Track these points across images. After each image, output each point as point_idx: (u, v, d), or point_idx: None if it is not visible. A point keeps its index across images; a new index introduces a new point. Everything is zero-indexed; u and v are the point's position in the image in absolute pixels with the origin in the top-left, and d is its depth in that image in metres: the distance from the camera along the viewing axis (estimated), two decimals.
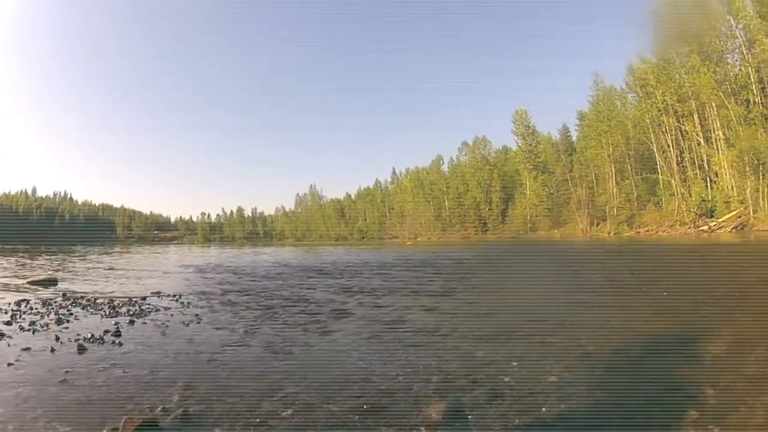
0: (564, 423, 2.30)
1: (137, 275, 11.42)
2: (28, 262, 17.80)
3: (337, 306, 5.85)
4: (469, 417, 2.33)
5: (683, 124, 39.54)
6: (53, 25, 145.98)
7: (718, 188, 35.11)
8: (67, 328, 4.59)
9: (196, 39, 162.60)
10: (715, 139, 35.92)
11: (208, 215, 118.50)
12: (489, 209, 65.48)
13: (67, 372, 3.09)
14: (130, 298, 6.59)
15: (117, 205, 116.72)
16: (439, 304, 5.92)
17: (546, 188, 56.96)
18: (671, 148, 40.89)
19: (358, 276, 9.94)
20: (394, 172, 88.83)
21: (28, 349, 3.71)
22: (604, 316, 4.93)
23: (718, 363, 3.05)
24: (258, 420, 2.32)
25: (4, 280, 9.91)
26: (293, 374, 3.05)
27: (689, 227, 34.30)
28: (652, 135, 42.58)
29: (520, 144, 61.45)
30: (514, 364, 3.14)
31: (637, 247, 20.99)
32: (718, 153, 35.29)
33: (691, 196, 37.54)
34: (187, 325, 4.78)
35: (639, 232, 39.64)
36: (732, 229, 29.41)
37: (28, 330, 4.46)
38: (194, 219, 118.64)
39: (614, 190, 48.12)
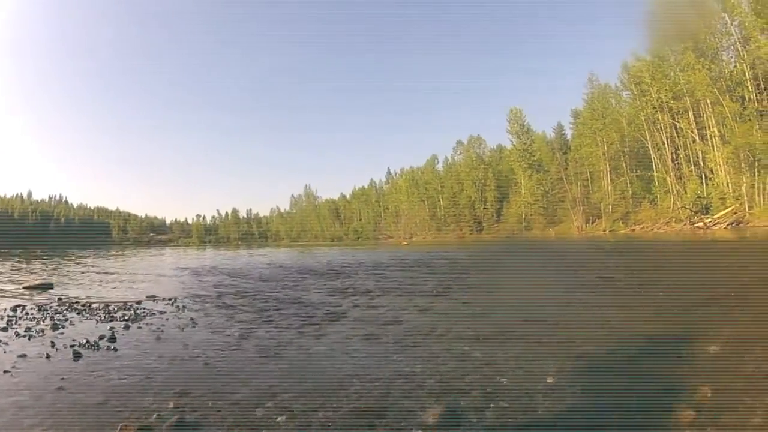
0: (562, 424, 2.30)
1: (132, 279, 11.35)
2: (24, 266, 17.67)
3: (332, 308, 5.84)
4: (466, 419, 2.33)
5: (678, 122, 39.77)
6: (48, 25, 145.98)
7: (713, 185, 35.31)
8: (62, 333, 4.58)
9: (196, 39, 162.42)
10: (710, 135, 36.16)
11: (203, 217, 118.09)
12: (484, 208, 65.56)
13: (62, 379, 3.08)
14: (126, 303, 6.56)
15: (112, 207, 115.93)
16: (435, 305, 5.93)
17: (541, 187, 57.05)
18: (666, 145, 41.12)
19: (353, 277, 9.92)
20: (389, 172, 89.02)
21: (24, 355, 3.70)
22: (601, 315, 4.93)
23: (716, 363, 3.05)
24: (253, 426, 2.32)
25: (0, 285, 9.85)
26: (288, 378, 3.05)
27: (685, 224, 34.52)
28: (647, 132, 42.81)
29: (514, 143, 61.62)
30: (511, 364, 3.15)
31: (633, 245, 21.07)
32: (713, 150, 35.55)
33: (686, 192, 37.76)
34: (183, 329, 4.77)
35: (634, 230, 39.83)
36: (727, 225, 29.60)
37: (24, 336, 4.44)
38: (189, 221, 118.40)
39: (609, 187, 48.28)
